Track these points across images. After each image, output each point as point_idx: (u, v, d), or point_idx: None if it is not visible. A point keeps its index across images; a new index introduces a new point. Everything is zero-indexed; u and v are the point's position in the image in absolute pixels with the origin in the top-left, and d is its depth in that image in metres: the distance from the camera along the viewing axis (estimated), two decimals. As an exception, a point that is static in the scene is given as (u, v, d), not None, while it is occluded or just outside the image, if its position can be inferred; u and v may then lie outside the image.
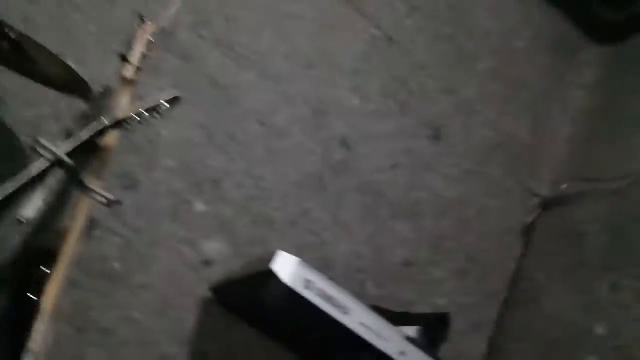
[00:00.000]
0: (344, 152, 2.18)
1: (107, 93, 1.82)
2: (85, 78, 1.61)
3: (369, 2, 2.33)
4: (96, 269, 1.74)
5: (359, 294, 1.94)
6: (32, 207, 1.47)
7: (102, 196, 1.48)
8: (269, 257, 1.55)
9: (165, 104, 1.52)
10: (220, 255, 1.93)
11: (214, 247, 1.93)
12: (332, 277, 1.60)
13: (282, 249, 1.89)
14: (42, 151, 1.39)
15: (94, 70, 1.84)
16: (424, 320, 1.91)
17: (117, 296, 1.76)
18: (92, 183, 1.49)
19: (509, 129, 2.43)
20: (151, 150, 1.89)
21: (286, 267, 1.52)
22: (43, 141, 1.38)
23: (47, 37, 1.83)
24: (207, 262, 1.91)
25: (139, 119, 1.49)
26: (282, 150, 2.10)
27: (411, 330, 1.74)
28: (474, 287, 2.22)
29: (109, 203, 1.49)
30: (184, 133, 1.96)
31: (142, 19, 1.67)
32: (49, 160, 1.39)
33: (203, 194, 1.94)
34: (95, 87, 1.79)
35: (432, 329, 1.88)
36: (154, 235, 1.85)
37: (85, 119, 1.77)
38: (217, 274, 1.90)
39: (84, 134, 1.47)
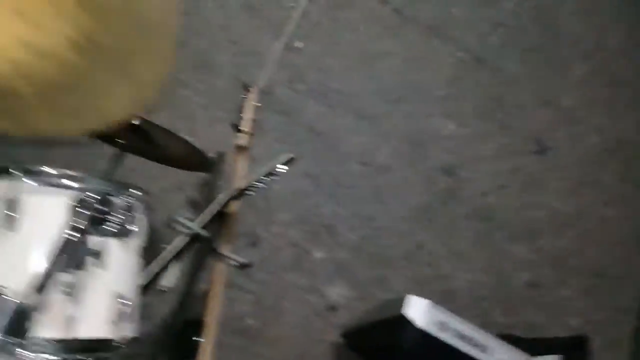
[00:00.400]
0: (448, 180, 2.18)
1: (222, 159, 1.92)
2: (201, 148, 1.72)
3: (452, 27, 2.33)
4: (233, 327, 1.83)
5: (487, 323, 1.92)
6: (171, 278, 1.57)
7: (235, 260, 1.57)
8: (399, 301, 1.57)
9: (283, 167, 1.59)
10: (344, 299, 1.97)
11: (337, 292, 1.98)
12: (456, 309, 1.60)
13: (401, 286, 1.90)
14: (180, 228, 1.49)
15: (205, 138, 1.96)
16: (561, 345, 1.85)
17: (255, 351, 1.84)
18: (224, 249, 1.58)
19: (616, 132, 2.33)
20: (267, 207, 1.98)
21: (418, 311, 1.53)
22: (181, 219, 1.48)
23: (160, 116, 1.97)
24: (332, 308, 1.96)
25: (259, 185, 1.57)
26: (387, 187, 2.13)
27: None
28: (605, 302, 2.12)
29: (242, 266, 1.57)
30: (293, 185, 2.03)
31: (246, 88, 1.77)
32: (188, 235, 1.49)
33: (320, 241, 2.00)
34: (209, 154, 1.90)
35: (571, 356, 1.82)
36: (280, 287, 1.93)
37: (206, 186, 1.88)
38: (342, 318, 1.94)
39: (214, 207, 1.56)
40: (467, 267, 2.09)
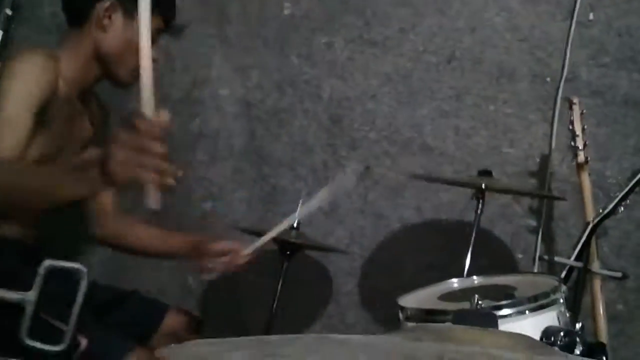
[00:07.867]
0: None
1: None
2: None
3: None
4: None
5: None
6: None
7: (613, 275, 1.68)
8: None
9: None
10: None
11: None
12: None
13: None
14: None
15: (525, 143, 2.04)
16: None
17: (628, 334, 1.96)
18: (595, 267, 1.70)
19: None
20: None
21: None
22: (557, 259, 1.63)
23: (482, 134, 2.09)
24: None
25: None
26: None
27: None
28: None
29: (622, 277, 1.68)
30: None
31: (570, 102, 1.79)
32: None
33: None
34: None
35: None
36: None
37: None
38: None
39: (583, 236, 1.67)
40: None
